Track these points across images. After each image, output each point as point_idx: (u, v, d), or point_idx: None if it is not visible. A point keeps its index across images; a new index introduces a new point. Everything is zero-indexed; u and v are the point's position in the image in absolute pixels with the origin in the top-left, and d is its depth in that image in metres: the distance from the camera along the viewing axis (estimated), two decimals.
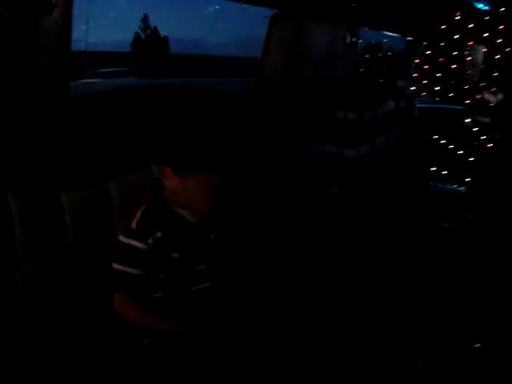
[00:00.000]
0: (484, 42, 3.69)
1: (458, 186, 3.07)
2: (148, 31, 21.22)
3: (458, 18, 3.20)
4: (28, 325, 1.29)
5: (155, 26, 21.16)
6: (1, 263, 1.28)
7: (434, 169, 3.19)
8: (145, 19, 21.18)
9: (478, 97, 3.65)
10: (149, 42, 20.74)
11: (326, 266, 1.84)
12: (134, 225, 1.28)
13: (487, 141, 3.20)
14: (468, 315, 1.74)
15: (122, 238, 1.28)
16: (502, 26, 3.56)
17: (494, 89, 3.67)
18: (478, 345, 1.63)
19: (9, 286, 1.28)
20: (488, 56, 3.76)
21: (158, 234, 1.27)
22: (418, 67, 3.69)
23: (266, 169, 1.93)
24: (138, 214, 1.29)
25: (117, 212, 1.45)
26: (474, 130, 3.28)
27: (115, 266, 1.27)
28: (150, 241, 1.26)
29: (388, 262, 1.99)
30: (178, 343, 1.28)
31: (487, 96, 3.67)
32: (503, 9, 3.08)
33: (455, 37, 3.58)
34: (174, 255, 1.29)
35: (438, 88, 3.72)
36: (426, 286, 1.86)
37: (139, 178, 1.51)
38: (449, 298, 1.81)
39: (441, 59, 3.72)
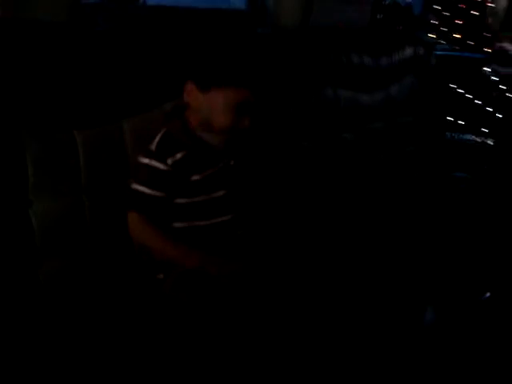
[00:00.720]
0: None
1: (476, 137, 3.02)
2: None
3: None
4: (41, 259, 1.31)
5: None
6: (14, 200, 1.29)
7: (451, 119, 3.13)
8: None
9: (499, 45, 3.53)
10: None
11: (337, 212, 1.84)
12: (153, 146, 1.28)
13: (507, 91, 3.13)
14: (479, 265, 1.74)
15: (140, 159, 1.28)
16: None
17: None
18: (488, 294, 1.63)
19: (22, 223, 1.29)
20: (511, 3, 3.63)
21: (178, 156, 1.27)
22: (438, 14, 3.59)
23: (280, 110, 1.90)
24: (158, 136, 1.29)
25: (130, 150, 1.44)
26: (493, 79, 3.20)
27: (133, 186, 1.26)
28: (169, 161, 1.26)
29: (400, 208, 1.98)
30: (193, 280, 1.27)
31: (508, 45, 3.56)
32: None
33: None
34: (194, 177, 1.29)
35: (458, 36, 3.61)
36: (437, 235, 1.85)
37: (153, 116, 1.48)
38: (460, 248, 1.80)
39: (461, 5, 3.60)
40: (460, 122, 3.14)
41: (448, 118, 3.10)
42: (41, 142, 1.31)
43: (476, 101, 3.17)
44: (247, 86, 1.29)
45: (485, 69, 3.22)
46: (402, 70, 2.59)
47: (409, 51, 2.65)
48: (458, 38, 3.61)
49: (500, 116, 3.13)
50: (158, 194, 1.25)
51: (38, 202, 1.31)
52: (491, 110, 3.17)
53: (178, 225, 1.30)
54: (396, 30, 3.14)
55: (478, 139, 3.01)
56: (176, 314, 1.25)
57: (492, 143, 2.94)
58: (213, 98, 1.28)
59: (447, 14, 3.61)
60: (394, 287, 1.54)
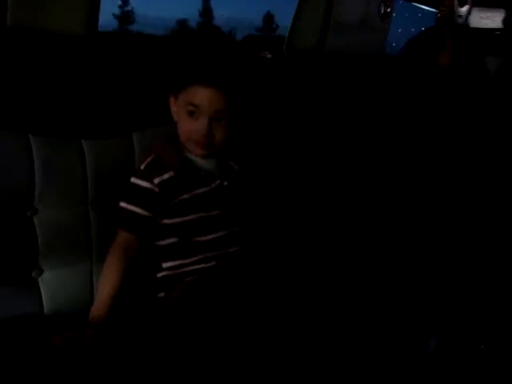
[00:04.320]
0: None
1: None
2: None
3: None
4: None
5: None
6: (19, 206, 1.26)
7: None
8: None
9: None
10: None
11: (332, 235, 1.82)
12: (142, 166, 1.30)
13: None
14: (484, 296, 1.70)
15: (131, 180, 1.29)
16: None
17: None
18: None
19: (26, 228, 1.27)
20: None
21: (166, 176, 1.27)
22: None
23: (282, 128, 1.89)
24: (150, 158, 1.31)
25: (138, 163, 1.41)
26: None
27: (122, 204, 1.28)
28: (156, 181, 1.26)
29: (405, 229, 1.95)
30: (195, 297, 1.25)
31: None
32: None
33: None
34: (183, 197, 1.28)
35: None
36: (441, 267, 1.82)
37: (163, 130, 1.46)
38: (466, 278, 1.77)
39: None
40: None
41: None
42: (49, 150, 1.29)
43: None
44: (219, 88, 1.24)
45: None
46: None
47: None
48: None
49: None
50: (145, 212, 1.27)
51: (43, 211, 1.29)
52: None
53: (172, 240, 1.31)
54: None
55: None
56: (178, 332, 1.22)
57: None
58: (179, 103, 1.29)
59: None
60: (397, 316, 1.51)
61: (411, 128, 1.87)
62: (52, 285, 1.31)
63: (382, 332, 1.43)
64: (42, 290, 1.29)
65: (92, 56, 1.43)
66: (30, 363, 1.12)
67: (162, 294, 1.30)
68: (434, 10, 2.97)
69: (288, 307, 1.30)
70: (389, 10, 2.48)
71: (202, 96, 1.23)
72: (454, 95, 1.77)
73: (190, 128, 1.27)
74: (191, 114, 1.25)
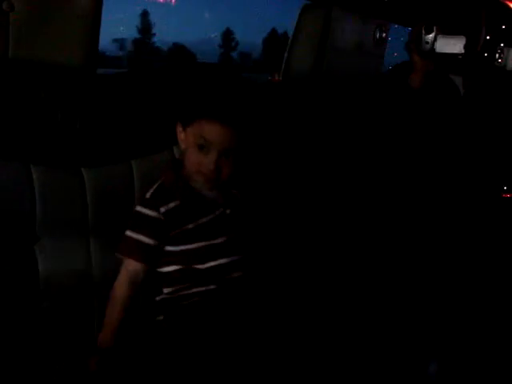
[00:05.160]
0: None
1: None
2: None
3: None
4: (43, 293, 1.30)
5: None
6: (20, 236, 1.28)
7: None
8: None
9: None
10: None
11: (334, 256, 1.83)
12: (148, 195, 1.30)
13: None
14: (484, 317, 1.70)
15: (137, 208, 1.30)
16: None
17: None
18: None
19: (28, 258, 1.28)
20: None
21: (172, 205, 1.28)
22: None
23: (283, 154, 1.91)
24: (155, 186, 1.31)
25: (138, 191, 1.45)
26: None
27: (129, 233, 1.28)
28: (162, 210, 1.27)
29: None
30: (193, 319, 1.27)
31: None
32: None
33: None
34: (188, 226, 1.29)
35: None
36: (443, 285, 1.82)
37: (162, 158, 1.50)
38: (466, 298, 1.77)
39: None
40: None
41: None
42: (50, 178, 1.31)
43: None
44: (230, 126, 1.23)
45: None
46: None
47: None
48: None
49: None
50: (150, 241, 1.27)
51: (44, 239, 1.30)
52: None
53: (174, 268, 1.31)
54: None
55: None
56: (176, 356, 1.23)
57: None
58: (188, 134, 1.27)
59: None
60: (398, 337, 1.52)
61: (389, 143, 2.06)
62: (53, 313, 1.31)
63: (382, 351, 1.44)
64: (44, 320, 1.30)
65: (90, 86, 1.45)
66: None
67: (161, 317, 1.30)
68: None
69: (288, 331, 1.31)
70: (384, 35, 2.52)
71: (214, 132, 1.22)
72: (425, 112, 2.01)
73: (198, 161, 1.26)
74: (201, 147, 1.25)
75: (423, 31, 1.89)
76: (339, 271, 1.75)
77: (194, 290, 1.29)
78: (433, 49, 1.88)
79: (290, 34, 2.26)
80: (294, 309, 1.42)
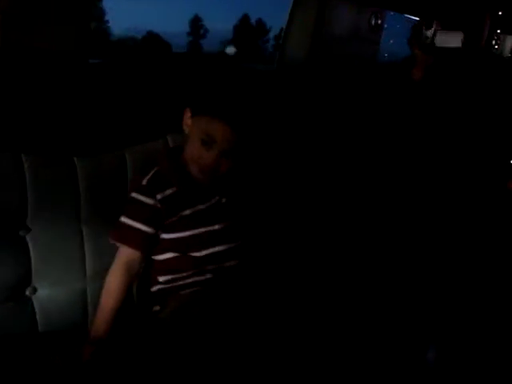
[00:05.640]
0: None
1: None
2: None
3: None
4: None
5: None
6: (12, 226, 1.27)
7: None
8: None
9: None
10: None
11: (332, 249, 1.82)
12: (144, 182, 1.29)
13: None
14: (484, 303, 1.70)
15: (133, 194, 1.29)
16: None
17: None
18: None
19: (20, 248, 1.27)
20: None
21: (168, 192, 1.27)
22: None
23: (280, 144, 1.89)
24: (151, 173, 1.30)
25: (130, 179, 1.42)
26: None
27: (125, 220, 1.27)
28: (158, 197, 1.26)
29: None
30: (190, 310, 1.25)
31: None
32: None
33: None
34: (185, 213, 1.28)
35: None
36: (442, 275, 1.82)
37: (156, 146, 1.48)
38: (465, 285, 1.77)
39: None
40: None
41: None
42: (41, 168, 1.30)
43: None
44: (237, 131, 1.25)
45: None
46: None
47: None
48: None
49: None
50: (146, 228, 1.26)
51: (36, 229, 1.29)
52: None
53: (170, 255, 1.30)
54: None
55: None
56: (173, 345, 1.21)
57: None
58: (195, 123, 1.28)
59: None
60: (396, 324, 1.50)
61: (390, 135, 2.10)
62: (45, 303, 1.30)
63: (381, 339, 1.43)
64: (35, 309, 1.29)
65: (82, 73, 1.44)
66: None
67: (157, 308, 1.29)
68: None
69: (284, 321, 1.30)
70: (380, 21, 2.50)
71: (220, 132, 1.23)
72: (426, 104, 2.08)
73: (199, 154, 1.26)
74: (204, 143, 1.25)
75: (423, 26, 1.98)
76: (336, 261, 1.74)
77: (191, 279, 1.29)
78: (433, 43, 1.96)
79: (265, 20, 2.24)
80: (291, 299, 1.41)
